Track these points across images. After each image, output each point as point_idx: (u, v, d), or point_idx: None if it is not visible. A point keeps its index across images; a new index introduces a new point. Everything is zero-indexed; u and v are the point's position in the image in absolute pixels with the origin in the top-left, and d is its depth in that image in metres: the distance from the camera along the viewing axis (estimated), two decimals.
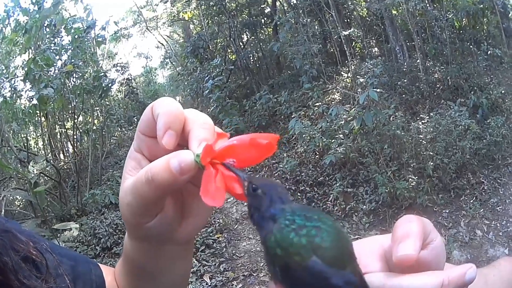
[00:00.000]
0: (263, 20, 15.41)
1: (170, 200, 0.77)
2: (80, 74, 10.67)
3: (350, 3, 14.18)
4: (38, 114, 10.90)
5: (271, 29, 15.61)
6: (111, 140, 13.53)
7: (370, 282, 0.61)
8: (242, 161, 0.68)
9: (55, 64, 10.15)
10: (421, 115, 8.86)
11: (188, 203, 0.81)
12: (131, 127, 14.58)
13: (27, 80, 9.35)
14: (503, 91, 9.50)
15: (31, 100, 10.62)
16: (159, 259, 0.88)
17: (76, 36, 10.77)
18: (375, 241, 0.69)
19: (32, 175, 6.78)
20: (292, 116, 9.46)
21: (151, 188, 0.69)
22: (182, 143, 0.72)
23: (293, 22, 11.85)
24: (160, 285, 0.94)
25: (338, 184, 8.19)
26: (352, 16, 14.64)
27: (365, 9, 14.42)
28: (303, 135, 8.74)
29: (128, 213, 0.76)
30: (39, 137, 13.03)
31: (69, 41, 11.09)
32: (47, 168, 9.77)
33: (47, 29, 10.76)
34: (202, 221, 0.85)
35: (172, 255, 0.89)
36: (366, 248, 0.68)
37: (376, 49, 14.23)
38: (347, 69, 11.37)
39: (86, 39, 11.74)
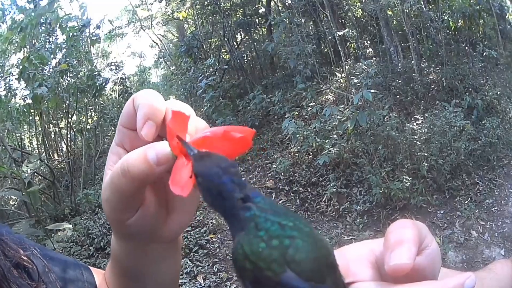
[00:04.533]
0: (257, 20, 15.42)
1: (152, 196, 0.75)
2: (74, 73, 10.64)
3: (345, 3, 14.18)
4: (33, 113, 10.89)
5: (265, 29, 15.64)
6: (105, 140, 13.48)
7: None
8: None
9: (49, 62, 10.14)
10: (415, 116, 8.87)
11: (172, 199, 0.78)
12: None
13: (21, 79, 9.34)
14: (498, 92, 9.53)
15: (26, 99, 10.62)
16: (146, 258, 0.87)
17: (70, 35, 10.76)
18: (366, 247, 0.65)
19: (26, 174, 6.76)
20: (286, 116, 9.44)
21: (127, 179, 0.67)
22: (164, 135, 0.70)
23: (287, 22, 11.83)
24: (149, 285, 0.92)
25: (331, 185, 8.21)
26: (347, 17, 14.65)
27: (360, 9, 14.42)
28: (297, 135, 8.73)
29: (108, 210, 0.74)
30: (33, 136, 13.03)
31: (63, 39, 11.08)
32: (41, 168, 9.76)
33: (42, 28, 10.75)
34: (187, 217, 0.83)
35: (159, 254, 0.87)
36: (356, 254, 0.64)
37: (370, 49, 14.24)
38: (341, 69, 11.37)
39: (80, 38, 11.73)
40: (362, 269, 0.61)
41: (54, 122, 12.53)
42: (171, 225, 0.80)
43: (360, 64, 10.43)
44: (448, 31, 11.96)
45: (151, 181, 0.68)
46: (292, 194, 8.52)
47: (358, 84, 9.28)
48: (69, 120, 11.19)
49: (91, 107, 12.30)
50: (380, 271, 0.61)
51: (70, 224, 7.36)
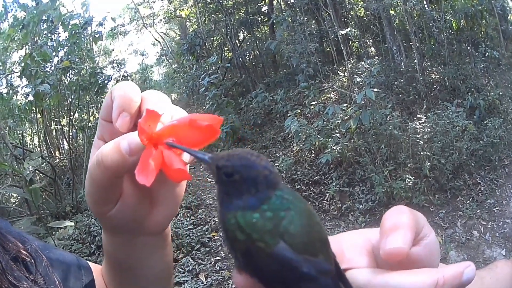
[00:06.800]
0: (260, 19, 15.44)
1: (133, 188, 0.75)
2: (77, 71, 10.63)
3: (347, 2, 14.19)
4: (34, 111, 10.88)
5: (267, 28, 15.63)
6: None
7: (354, 279, 0.57)
8: (182, 143, 0.64)
9: (51, 60, 10.14)
10: (418, 115, 8.86)
11: (156, 191, 0.79)
12: None
13: (23, 76, 9.33)
14: (500, 93, 9.54)
15: (27, 96, 10.61)
16: (135, 252, 0.87)
17: (73, 32, 10.76)
18: (362, 235, 0.64)
19: (27, 172, 6.76)
20: (288, 114, 9.44)
21: (101, 170, 0.67)
22: None
23: (290, 20, 11.84)
24: (141, 279, 0.93)
25: (334, 183, 8.21)
26: (350, 16, 14.64)
27: (362, 8, 14.42)
28: (299, 134, 8.72)
29: (90, 202, 0.75)
30: (35, 133, 13.03)
31: (66, 37, 11.08)
32: (43, 165, 9.76)
33: (44, 25, 10.75)
34: (172, 209, 0.83)
35: (147, 247, 0.88)
36: (352, 241, 0.64)
37: (373, 48, 14.24)
38: (344, 68, 11.36)
39: (83, 36, 11.73)
40: (357, 257, 0.61)
41: (56, 119, 12.50)
42: (156, 217, 0.81)
43: (363, 63, 10.45)
44: (450, 31, 11.95)
45: (125, 171, 0.68)
46: None
47: (360, 83, 9.29)
48: (71, 117, 11.19)
49: (93, 105, 12.27)
50: (376, 260, 0.60)
51: (71, 221, 7.35)
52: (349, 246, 0.62)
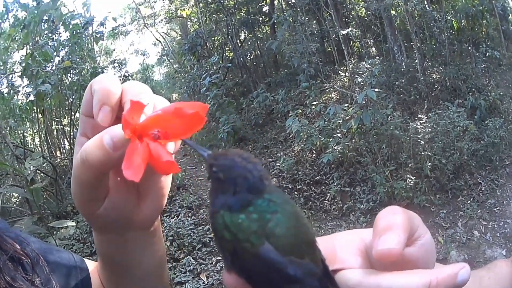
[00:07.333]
0: (261, 18, 15.43)
1: (119, 183, 0.74)
2: (78, 70, 10.61)
3: (348, 2, 14.20)
4: (35, 111, 10.87)
5: (269, 28, 15.62)
6: None
7: (346, 279, 0.57)
8: (168, 133, 0.63)
9: (52, 60, 10.13)
10: (419, 115, 8.85)
11: (143, 184, 0.75)
12: None
13: (24, 76, 9.32)
14: (501, 93, 9.56)
15: (28, 96, 10.61)
16: (126, 248, 0.86)
17: (74, 32, 10.74)
18: (356, 235, 0.64)
19: (29, 172, 6.75)
20: (289, 114, 9.43)
21: (86, 168, 0.66)
22: None
23: (291, 20, 11.83)
24: (135, 276, 0.92)
25: (335, 183, 8.21)
26: (351, 16, 14.66)
27: (363, 8, 14.42)
28: (301, 134, 8.72)
29: (77, 203, 0.74)
30: (36, 133, 13.01)
31: (67, 37, 11.07)
32: (44, 165, 9.74)
33: (45, 25, 10.74)
34: (160, 201, 0.81)
35: (138, 243, 0.87)
36: (346, 241, 0.63)
37: (374, 49, 14.25)
38: (345, 68, 11.34)
39: (84, 35, 11.71)
40: (350, 257, 0.61)
41: (57, 119, 12.49)
42: (144, 210, 0.80)
43: (364, 63, 10.42)
44: (451, 31, 11.98)
45: (111, 167, 0.67)
46: (295, 193, 8.50)
47: (361, 83, 9.28)
48: (72, 117, 11.17)
49: None
50: (370, 261, 0.60)
51: (72, 221, 7.33)
52: (343, 246, 0.62)
